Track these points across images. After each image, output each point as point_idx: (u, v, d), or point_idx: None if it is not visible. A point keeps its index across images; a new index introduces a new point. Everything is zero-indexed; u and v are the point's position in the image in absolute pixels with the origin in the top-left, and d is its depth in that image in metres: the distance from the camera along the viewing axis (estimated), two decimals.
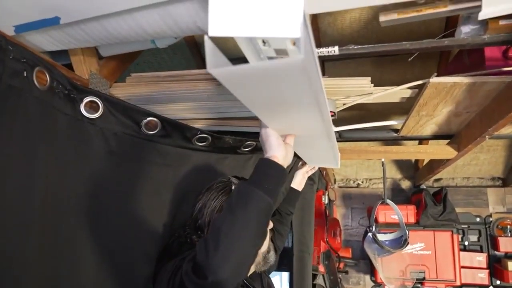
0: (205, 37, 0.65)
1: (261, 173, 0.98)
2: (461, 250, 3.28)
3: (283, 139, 1.06)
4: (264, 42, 0.85)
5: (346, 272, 3.47)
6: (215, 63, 0.66)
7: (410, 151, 2.23)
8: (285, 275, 2.46)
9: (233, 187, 1.29)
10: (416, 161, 3.78)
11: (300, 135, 1.19)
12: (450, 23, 1.82)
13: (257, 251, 0.98)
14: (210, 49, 0.65)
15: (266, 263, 1.38)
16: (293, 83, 0.73)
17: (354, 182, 4.22)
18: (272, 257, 1.40)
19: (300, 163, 1.75)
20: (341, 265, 3.20)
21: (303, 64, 0.62)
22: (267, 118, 1.00)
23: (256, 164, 1.01)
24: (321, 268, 2.68)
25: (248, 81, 0.73)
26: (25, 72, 0.96)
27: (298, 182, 1.84)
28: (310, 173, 1.81)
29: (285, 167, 1.02)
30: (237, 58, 1.25)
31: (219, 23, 0.63)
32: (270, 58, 0.90)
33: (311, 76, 0.71)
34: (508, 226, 3.39)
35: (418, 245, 3.24)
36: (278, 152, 1.00)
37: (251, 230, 0.91)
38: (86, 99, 1.18)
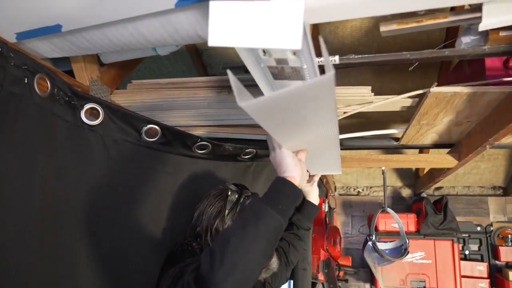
0: (228, 72, 0.66)
1: (277, 192, 0.98)
2: (461, 259, 3.27)
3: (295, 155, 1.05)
4: (264, 52, 0.85)
5: (346, 281, 3.45)
6: (244, 96, 0.66)
7: (410, 160, 2.22)
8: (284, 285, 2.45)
9: (229, 193, 1.28)
10: (417, 169, 3.77)
11: (310, 147, 1.19)
12: (451, 33, 1.82)
13: (261, 270, 0.96)
14: (234, 83, 0.66)
15: (268, 270, 1.36)
16: (321, 99, 0.74)
17: (354, 189, 4.21)
18: (275, 264, 1.38)
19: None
20: (341, 274, 3.18)
21: (333, 80, 0.63)
22: (283, 138, 1.00)
23: (273, 182, 1.01)
24: (321, 277, 2.67)
25: (276, 107, 0.73)
26: (26, 79, 0.96)
27: (314, 195, 1.75)
28: (315, 179, 1.72)
29: (300, 186, 1.02)
30: (238, 66, 1.25)
31: (219, 33, 0.63)
32: (270, 67, 0.91)
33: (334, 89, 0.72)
34: (509, 236, 3.38)
35: (419, 254, 3.23)
36: (295, 172, 1.00)
37: (259, 248, 0.90)
38: (87, 106, 1.18)
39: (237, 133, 1.75)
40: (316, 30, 2.02)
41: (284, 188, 0.97)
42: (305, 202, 1.73)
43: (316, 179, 1.65)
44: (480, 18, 0.95)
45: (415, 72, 1.30)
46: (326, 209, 2.87)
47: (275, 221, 0.92)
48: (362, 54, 1.14)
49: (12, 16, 1.00)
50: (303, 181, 1.02)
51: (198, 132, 1.67)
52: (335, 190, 4.20)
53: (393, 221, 3.19)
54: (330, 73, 0.60)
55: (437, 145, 2.07)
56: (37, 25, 1.03)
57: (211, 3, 0.62)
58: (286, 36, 0.60)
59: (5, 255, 0.90)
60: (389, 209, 2.23)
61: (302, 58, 0.76)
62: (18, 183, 0.95)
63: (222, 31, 0.63)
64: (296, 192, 0.98)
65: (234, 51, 0.85)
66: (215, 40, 0.65)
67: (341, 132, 1.89)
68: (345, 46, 2.12)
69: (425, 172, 3.43)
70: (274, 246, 0.97)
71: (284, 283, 1.74)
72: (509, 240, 3.37)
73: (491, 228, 3.45)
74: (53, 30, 1.04)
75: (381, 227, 3.32)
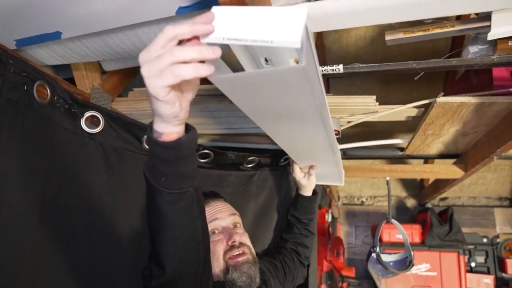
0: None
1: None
2: (467, 271, 3.21)
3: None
4: (266, 60, 0.83)
5: None
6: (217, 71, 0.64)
7: (415, 170, 2.19)
8: None
9: None
10: (422, 179, 3.74)
11: (306, 154, 1.18)
12: (457, 41, 1.80)
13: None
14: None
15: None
16: (295, 92, 0.72)
17: (358, 199, 4.18)
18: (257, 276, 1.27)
19: (291, 168, 1.66)
20: (345, 285, 3.14)
21: (305, 72, 0.61)
22: (262, 123, 0.98)
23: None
24: None
25: (249, 90, 0.73)
26: (25, 86, 0.96)
27: (310, 188, 1.70)
28: (312, 172, 1.63)
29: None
30: None
31: (220, 32, 0.62)
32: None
33: (313, 86, 0.71)
34: None
35: (424, 265, 3.18)
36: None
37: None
38: (87, 114, 1.18)
39: (239, 142, 1.74)
40: (320, 38, 2.00)
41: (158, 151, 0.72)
42: (297, 197, 1.71)
43: (313, 172, 1.61)
44: (488, 27, 0.93)
45: (420, 81, 1.28)
46: (330, 219, 2.84)
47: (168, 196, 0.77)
48: (366, 62, 1.12)
49: (12, 23, 0.99)
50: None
51: (200, 140, 1.65)
52: (339, 199, 4.17)
53: (398, 232, 3.14)
54: (299, 65, 0.59)
55: (443, 156, 2.04)
56: (36, 32, 1.03)
57: (213, 8, 0.61)
58: (287, 35, 0.58)
59: (1, 261, 0.90)
60: (393, 220, 2.19)
61: (304, 58, 0.75)
62: (16, 191, 0.94)
63: (223, 35, 0.61)
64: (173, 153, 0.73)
65: (236, 58, 0.83)
66: (215, 39, 0.63)
67: (345, 142, 1.88)
68: (349, 54, 2.10)
69: (430, 182, 3.40)
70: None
71: (301, 281, 1.73)
72: None
73: (498, 240, 3.39)
74: (53, 37, 1.04)
75: (386, 238, 3.28)
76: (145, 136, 1.34)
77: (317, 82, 0.74)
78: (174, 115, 0.66)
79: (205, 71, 0.59)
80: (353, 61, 1.22)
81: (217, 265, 1.18)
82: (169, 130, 0.69)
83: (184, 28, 0.58)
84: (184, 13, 0.89)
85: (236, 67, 0.77)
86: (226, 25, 0.61)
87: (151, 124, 0.71)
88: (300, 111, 0.85)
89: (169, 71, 0.58)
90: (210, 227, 1.21)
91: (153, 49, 0.59)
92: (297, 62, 0.80)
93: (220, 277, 1.18)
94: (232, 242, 1.23)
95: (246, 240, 1.30)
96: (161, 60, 0.58)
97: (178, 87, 0.65)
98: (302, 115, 0.89)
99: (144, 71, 0.60)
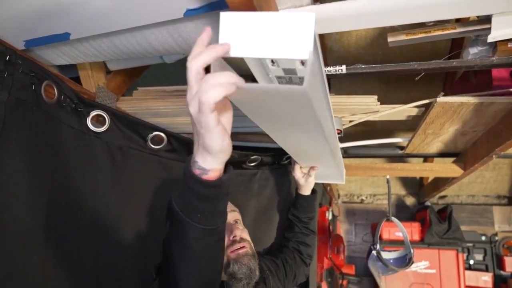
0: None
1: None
2: (466, 269, 3.23)
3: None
4: (273, 62, 0.85)
5: None
6: None
7: (415, 169, 2.21)
8: None
9: None
10: (421, 177, 3.76)
11: (308, 156, 1.18)
12: (456, 42, 1.82)
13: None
14: (217, 62, 0.65)
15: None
16: (298, 107, 0.73)
17: (358, 197, 4.20)
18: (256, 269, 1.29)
19: (292, 167, 1.69)
20: (345, 282, 3.16)
21: (307, 93, 0.62)
22: (264, 126, 0.99)
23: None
24: (324, 286, 2.65)
25: (252, 98, 0.73)
26: (33, 86, 0.97)
27: (308, 189, 1.71)
28: (312, 173, 1.64)
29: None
30: (245, 75, 1.25)
31: (229, 43, 0.63)
32: (278, 77, 0.91)
33: (316, 103, 0.71)
34: None
35: (423, 263, 3.20)
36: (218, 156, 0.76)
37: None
38: (93, 113, 1.20)
39: (242, 141, 1.75)
40: (321, 38, 2.02)
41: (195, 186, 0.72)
42: (297, 196, 1.73)
43: (313, 173, 1.62)
44: (488, 29, 0.95)
45: (420, 81, 1.29)
46: (330, 217, 2.85)
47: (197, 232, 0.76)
48: (367, 62, 1.14)
49: (21, 24, 1.00)
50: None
51: None
52: (339, 197, 4.19)
53: (397, 230, 3.17)
54: (301, 87, 0.59)
55: (442, 154, 2.06)
56: (45, 32, 1.04)
57: (221, 14, 0.62)
58: (295, 46, 0.59)
59: (9, 261, 0.91)
60: (393, 218, 2.21)
61: (309, 69, 0.76)
62: (23, 189, 0.95)
63: (232, 42, 0.62)
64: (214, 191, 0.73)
65: (241, 59, 0.85)
66: None
67: (345, 140, 1.90)
68: (350, 54, 2.12)
69: (429, 180, 3.42)
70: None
71: (303, 280, 1.77)
72: None
73: (496, 238, 3.42)
74: (62, 38, 1.05)
75: (385, 236, 3.30)
76: (150, 135, 1.36)
77: (320, 96, 0.75)
78: (223, 149, 0.67)
79: (236, 84, 0.61)
80: (354, 60, 1.23)
81: None
82: (216, 166, 0.70)
83: (206, 56, 0.60)
84: (192, 15, 0.89)
85: (241, 68, 0.78)
86: (234, 36, 0.62)
87: (190, 160, 0.72)
88: (302, 121, 0.86)
89: (205, 100, 0.59)
90: None
91: (190, 89, 0.61)
92: (303, 64, 0.82)
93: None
94: (233, 237, 1.27)
95: (247, 236, 1.33)
96: (197, 95, 0.60)
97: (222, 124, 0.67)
98: (304, 125, 0.89)
99: (190, 110, 0.62)
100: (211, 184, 0.70)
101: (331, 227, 2.87)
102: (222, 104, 0.69)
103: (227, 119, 0.71)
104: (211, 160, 0.69)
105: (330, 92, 1.66)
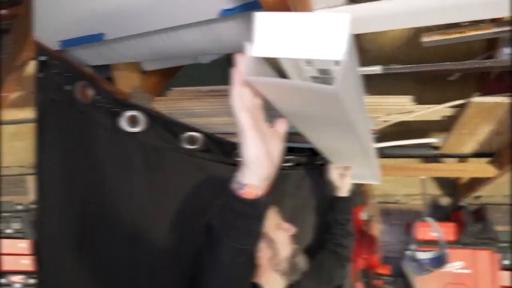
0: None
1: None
2: (501, 269, 3.18)
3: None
4: (308, 62, 0.88)
5: None
6: (254, 71, 0.67)
7: (450, 169, 2.21)
8: None
9: None
10: (456, 178, 3.70)
11: (341, 155, 1.19)
12: (491, 42, 1.81)
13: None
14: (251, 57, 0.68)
15: (294, 271, 1.34)
16: (330, 106, 0.75)
17: (393, 198, 4.17)
18: (302, 263, 1.37)
19: (326, 168, 1.70)
20: (380, 283, 3.15)
21: (338, 93, 0.64)
22: (294, 118, 0.98)
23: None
24: (360, 286, 2.66)
25: (284, 94, 0.75)
26: (68, 86, 0.98)
27: (344, 190, 1.72)
28: (347, 173, 1.68)
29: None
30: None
31: (264, 44, 0.65)
32: (313, 78, 0.94)
33: (348, 102, 0.72)
34: None
35: (458, 263, 3.16)
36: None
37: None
38: (128, 113, 1.19)
39: None
40: (356, 38, 2.03)
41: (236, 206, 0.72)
42: (333, 197, 1.73)
43: (348, 173, 1.64)
44: None
45: (455, 81, 1.31)
46: (365, 218, 2.86)
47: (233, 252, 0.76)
48: (401, 62, 1.16)
49: (57, 25, 1.03)
50: None
51: (235, 139, 1.68)
52: (373, 198, 4.16)
53: (432, 230, 3.15)
54: (332, 86, 0.62)
55: (477, 154, 2.04)
56: (80, 33, 1.06)
57: (256, 14, 0.64)
58: (329, 47, 0.61)
59: (44, 264, 0.93)
60: (428, 218, 2.21)
61: (341, 72, 0.79)
62: (58, 189, 0.96)
63: (267, 42, 0.64)
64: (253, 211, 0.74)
65: (274, 58, 0.87)
66: (259, 51, 0.66)
67: (380, 140, 1.92)
68: (385, 54, 2.13)
69: (464, 181, 3.37)
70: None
71: (340, 282, 1.75)
72: None
73: None
74: (96, 39, 1.07)
75: (420, 236, 3.27)
76: (185, 135, 1.36)
77: (353, 96, 0.75)
78: (257, 160, 0.68)
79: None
80: (389, 61, 1.26)
81: None
82: (253, 182, 0.69)
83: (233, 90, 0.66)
84: (228, 15, 0.90)
85: (273, 67, 0.81)
86: (268, 36, 0.64)
87: (234, 176, 0.72)
88: (335, 121, 0.87)
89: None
90: None
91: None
92: (337, 64, 0.85)
93: None
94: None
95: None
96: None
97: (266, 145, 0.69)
98: (337, 124, 0.90)
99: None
100: (246, 201, 0.70)
101: (366, 227, 2.87)
102: (272, 132, 0.73)
103: (276, 146, 0.74)
104: (248, 173, 0.69)
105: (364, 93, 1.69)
